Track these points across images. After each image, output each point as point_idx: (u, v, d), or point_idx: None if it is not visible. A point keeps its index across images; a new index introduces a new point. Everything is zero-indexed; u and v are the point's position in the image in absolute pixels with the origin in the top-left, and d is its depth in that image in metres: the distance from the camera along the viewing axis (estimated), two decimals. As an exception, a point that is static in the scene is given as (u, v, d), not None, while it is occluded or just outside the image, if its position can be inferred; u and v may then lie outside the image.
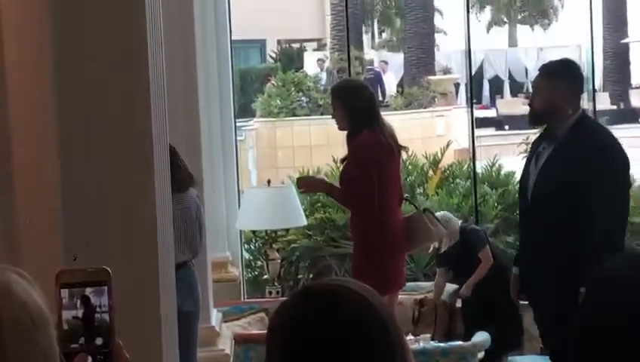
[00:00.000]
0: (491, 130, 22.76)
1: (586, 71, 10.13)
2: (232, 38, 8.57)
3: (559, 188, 5.18)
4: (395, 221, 6.22)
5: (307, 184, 6.68)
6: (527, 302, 5.84)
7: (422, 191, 10.15)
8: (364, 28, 26.50)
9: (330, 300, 1.74)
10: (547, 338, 5.67)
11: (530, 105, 5.59)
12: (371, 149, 6.13)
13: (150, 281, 3.07)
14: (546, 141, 5.36)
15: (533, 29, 34.51)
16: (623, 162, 5.23)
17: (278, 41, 26.19)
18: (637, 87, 27.65)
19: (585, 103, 11.30)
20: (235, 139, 8.62)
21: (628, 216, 5.54)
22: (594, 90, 10.11)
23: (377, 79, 21.52)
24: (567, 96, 5.30)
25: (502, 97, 27.24)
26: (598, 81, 28.32)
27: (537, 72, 5.60)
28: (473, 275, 7.35)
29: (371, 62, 23.64)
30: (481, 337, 6.69)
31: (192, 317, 5.58)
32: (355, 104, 6.16)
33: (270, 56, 25.37)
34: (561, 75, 5.37)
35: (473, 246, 7.43)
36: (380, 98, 21.01)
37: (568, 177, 5.15)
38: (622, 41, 26.55)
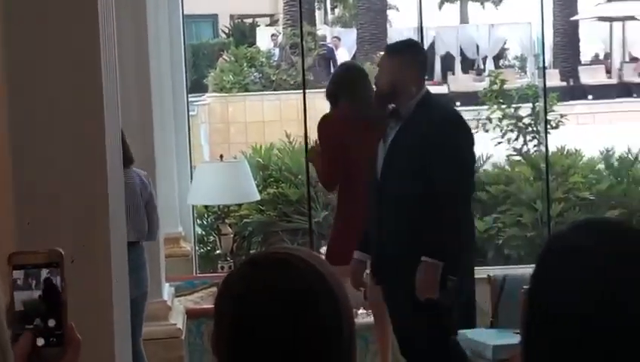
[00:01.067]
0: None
1: (536, 48, 10.22)
2: (184, 12, 8.54)
3: (406, 165, 5.26)
4: (356, 200, 6.11)
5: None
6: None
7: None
8: (316, 4, 26.49)
9: (279, 269, 1.74)
10: (399, 323, 5.61)
11: (375, 85, 5.67)
12: (333, 125, 6.19)
13: (103, 263, 3.06)
14: (393, 120, 5.42)
15: (484, 6, 34.67)
16: (466, 137, 5.31)
17: (231, 16, 26.08)
18: (586, 64, 27.86)
19: (535, 80, 11.41)
20: (188, 115, 8.61)
21: (474, 190, 5.59)
22: (544, 67, 10.20)
23: (330, 55, 21.52)
24: (411, 76, 5.35)
25: (453, 74, 27.34)
26: (549, 58, 28.53)
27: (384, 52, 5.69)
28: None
29: (324, 39, 23.61)
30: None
31: (134, 303, 5.58)
32: None
33: (223, 32, 25.26)
34: (405, 56, 5.43)
35: None
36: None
37: (413, 154, 5.22)
38: (572, 18, 26.72)
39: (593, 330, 1.47)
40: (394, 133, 5.37)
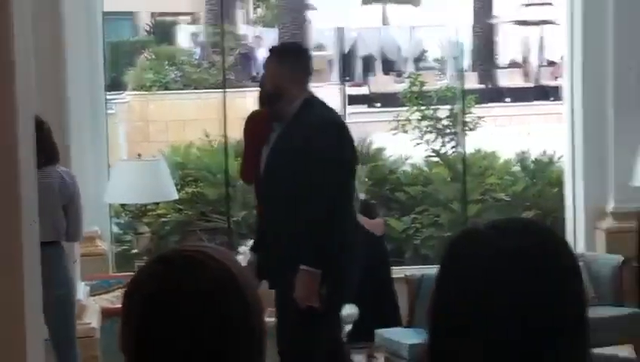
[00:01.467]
0: (364, 107, 22.98)
1: (455, 50, 10.32)
2: (104, 9, 8.46)
3: (286, 168, 5.28)
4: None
5: None
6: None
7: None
8: (238, 3, 26.41)
9: (188, 268, 1.72)
10: (282, 328, 5.52)
11: (259, 86, 5.72)
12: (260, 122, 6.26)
13: (14, 264, 3.03)
14: (277, 122, 5.46)
15: (405, 8, 34.90)
16: (343, 141, 5.31)
17: (152, 14, 25.89)
18: (504, 68, 28.20)
19: (454, 82, 11.52)
20: (106, 112, 8.53)
21: (352, 191, 5.53)
22: (462, 70, 10.31)
23: (251, 55, 21.49)
24: (293, 79, 5.38)
25: (374, 75, 27.46)
26: (468, 61, 28.82)
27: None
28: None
29: (245, 38, 23.57)
30: (349, 311, 6.78)
31: (59, 303, 5.53)
32: None
33: (144, 29, 25.08)
34: (287, 59, 5.47)
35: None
36: (254, 74, 21.01)
37: (293, 155, 5.24)
38: (490, 22, 27.02)
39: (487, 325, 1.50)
40: (276, 134, 5.40)
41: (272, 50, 5.69)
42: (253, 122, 6.30)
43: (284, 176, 5.24)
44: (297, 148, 5.20)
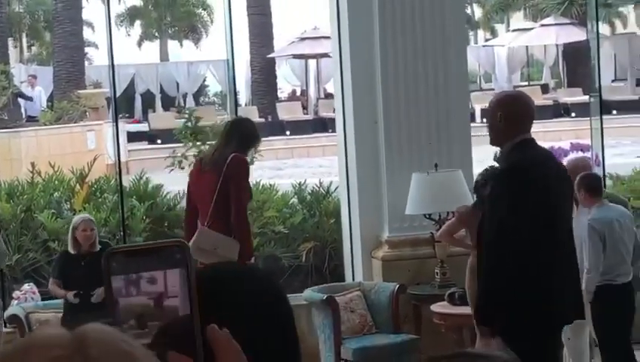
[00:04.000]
0: (144, 144, 22.77)
1: (230, 86, 10.34)
2: None
3: None
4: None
5: None
6: None
7: (69, 206, 9.99)
8: (11, 41, 25.76)
9: None
10: None
11: None
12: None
13: None
14: None
15: (182, 45, 34.88)
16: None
17: None
18: (284, 101, 28.53)
19: (228, 117, 11.55)
20: None
21: None
22: (236, 105, 10.34)
23: (25, 94, 20.99)
24: None
25: (154, 111, 27.28)
26: (247, 94, 29.02)
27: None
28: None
29: (19, 77, 23.00)
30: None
31: None
32: None
33: None
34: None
35: None
36: (29, 114, 20.51)
37: None
38: (268, 56, 27.29)
39: None
40: None
41: None
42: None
43: None
44: None
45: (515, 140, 4.96)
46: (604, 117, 9.81)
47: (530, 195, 4.87)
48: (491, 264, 4.91)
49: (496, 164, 6.32)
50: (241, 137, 6.65)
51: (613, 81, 29.24)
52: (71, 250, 7.48)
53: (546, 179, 4.94)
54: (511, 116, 4.97)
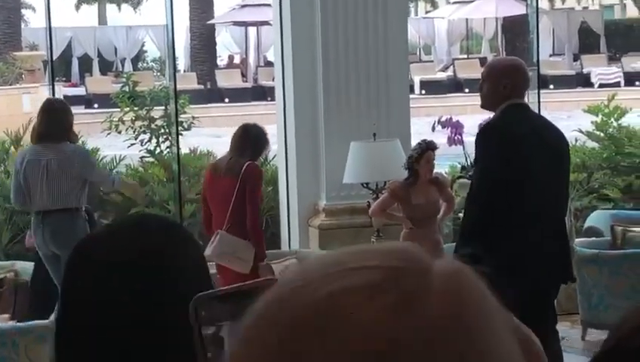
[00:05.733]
0: (81, 108, 22.58)
1: (169, 51, 10.27)
2: None
3: None
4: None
5: None
6: None
7: (3, 168, 9.88)
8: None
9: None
10: None
11: None
12: None
13: None
14: None
15: (120, 9, 34.55)
16: None
17: None
18: (223, 68, 28.40)
19: (166, 82, 11.47)
20: None
21: None
22: (175, 70, 10.26)
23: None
24: None
25: (91, 75, 27.02)
26: (186, 61, 28.84)
27: None
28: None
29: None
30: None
31: None
32: None
33: None
34: None
35: None
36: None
37: None
38: (208, 22, 27.13)
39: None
40: None
41: None
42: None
43: None
44: None
45: (510, 102, 5.36)
46: (542, 91, 9.91)
47: (502, 156, 5.19)
48: (464, 224, 5.42)
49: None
50: (253, 146, 7.08)
51: (551, 55, 29.53)
52: None
53: (523, 142, 5.23)
54: (516, 84, 5.41)
